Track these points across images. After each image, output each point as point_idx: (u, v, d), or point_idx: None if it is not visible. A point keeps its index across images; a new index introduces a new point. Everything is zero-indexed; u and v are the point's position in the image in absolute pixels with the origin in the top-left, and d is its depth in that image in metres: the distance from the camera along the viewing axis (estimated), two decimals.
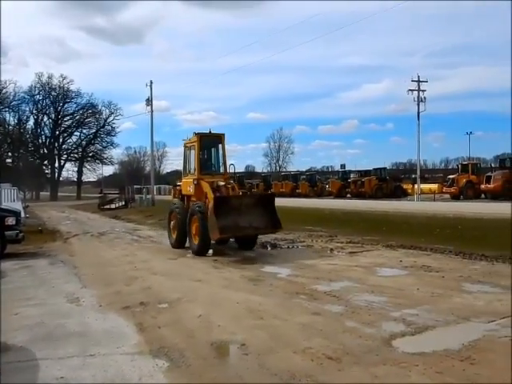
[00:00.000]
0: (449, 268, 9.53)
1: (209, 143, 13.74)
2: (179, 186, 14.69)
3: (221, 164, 13.91)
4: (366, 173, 45.35)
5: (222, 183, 12.84)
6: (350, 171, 52.52)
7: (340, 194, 44.70)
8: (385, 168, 46.95)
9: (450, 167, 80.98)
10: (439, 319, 6.11)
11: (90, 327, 6.25)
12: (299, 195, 46.80)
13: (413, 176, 49.82)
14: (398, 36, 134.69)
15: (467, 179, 34.88)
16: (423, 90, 42.69)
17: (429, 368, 4.52)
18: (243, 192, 14.03)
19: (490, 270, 9.30)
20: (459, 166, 39.78)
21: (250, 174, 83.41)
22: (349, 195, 43.63)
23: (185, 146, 14.01)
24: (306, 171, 63.95)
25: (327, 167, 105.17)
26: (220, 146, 13.75)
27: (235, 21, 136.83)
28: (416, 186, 40.11)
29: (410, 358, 4.83)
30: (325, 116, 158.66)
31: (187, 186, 13.48)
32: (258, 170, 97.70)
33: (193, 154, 13.46)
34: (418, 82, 42.79)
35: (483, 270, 9.40)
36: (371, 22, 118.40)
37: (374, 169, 45.22)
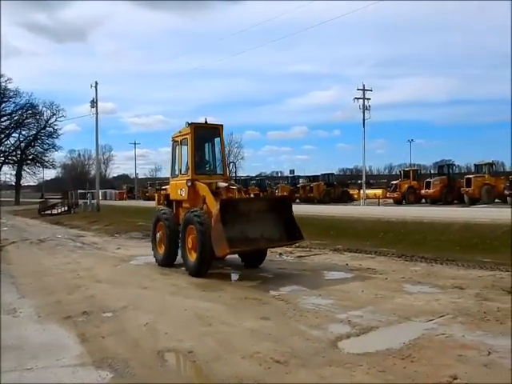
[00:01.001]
0: (392, 270, 9.92)
1: (204, 136, 11.20)
2: (164, 189, 12.32)
3: (219, 162, 11.51)
4: (315, 178, 46.33)
5: (224, 184, 10.43)
6: (299, 176, 53.48)
7: None
8: (332, 173, 48.16)
9: (393, 173, 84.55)
10: (382, 319, 6.33)
11: (27, 339, 5.92)
12: None
13: (359, 181, 51.46)
14: (346, 45, 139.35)
15: (409, 185, 36.50)
16: (368, 99, 44.33)
17: (372, 367, 4.67)
18: (255, 194, 11.82)
19: (429, 272, 9.78)
20: (401, 172, 41.59)
21: None
22: (298, 200, 44.38)
23: (173, 141, 11.40)
24: (256, 176, 64.32)
25: (277, 172, 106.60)
26: (218, 139, 11.35)
27: (184, 23, 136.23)
28: (362, 191, 41.49)
29: (354, 358, 4.96)
30: (275, 122, 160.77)
31: (177, 189, 11.02)
32: None
33: (185, 149, 10.97)
34: (363, 90, 44.44)
35: (423, 271, 9.87)
36: (320, 31, 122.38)
37: (322, 174, 46.26)
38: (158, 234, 11.27)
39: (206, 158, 11.57)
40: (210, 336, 5.82)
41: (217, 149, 11.46)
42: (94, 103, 40.34)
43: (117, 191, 71.95)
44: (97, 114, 40.38)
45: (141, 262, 12.26)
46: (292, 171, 59.32)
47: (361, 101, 43.82)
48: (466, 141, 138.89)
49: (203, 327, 6.21)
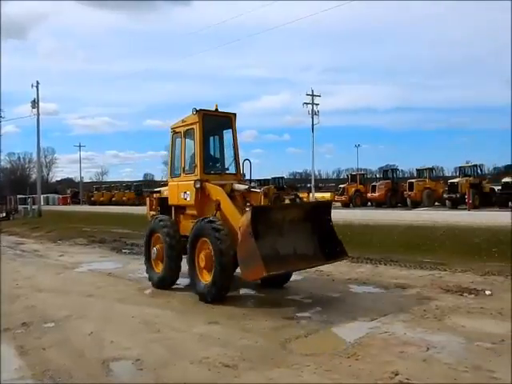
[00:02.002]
0: (339, 272, 10.19)
1: (214, 127, 9.11)
2: (158, 192, 10.29)
3: (231, 159, 9.32)
4: (265, 182, 46.74)
5: (243, 187, 8.54)
6: (250, 180, 53.60)
7: None
8: (282, 177, 48.81)
9: (341, 177, 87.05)
10: (330, 320, 6.49)
11: None
12: None
13: (308, 185, 52.53)
14: (296, 51, 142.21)
15: (356, 188, 37.69)
16: (317, 104, 45.58)
17: (319, 367, 4.78)
18: (291, 199, 9.49)
19: (374, 272, 10.15)
20: (349, 176, 42.90)
21: (148, 182, 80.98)
22: (249, 204, 44.56)
23: (173, 132, 9.20)
24: None
25: None
26: (229, 132, 9.25)
27: (133, 24, 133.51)
28: (311, 195, 42.34)
29: (302, 359, 5.05)
30: None
31: (179, 192, 8.82)
32: (157, 178, 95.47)
33: (189, 143, 8.92)
34: (312, 95, 45.56)
35: (368, 272, 10.23)
36: (272, 36, 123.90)
37: (273, 178, 46.78)
38: (155, 249, 9.01)
39: (216, 153, 9.46)
40: (158, 343, 5.71)
41: (227, 142, 9.32)
42: (35, 104, 38.54)
43: (60, 196, 69.02)
44: (38, 114, 38.64)
45: (85, 269, 11.82)
46: (243, 175, 59.51)
47: (310, 106, 44.99)
48: (409, 146, 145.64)
49: (151, 334, 6.08)
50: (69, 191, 73.30)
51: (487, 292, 7.93)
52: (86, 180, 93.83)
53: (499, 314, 6.59)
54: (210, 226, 7.56)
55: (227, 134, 9.30)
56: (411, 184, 33.14)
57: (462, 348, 5.36)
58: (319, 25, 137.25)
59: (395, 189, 34.63)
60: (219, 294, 7.50)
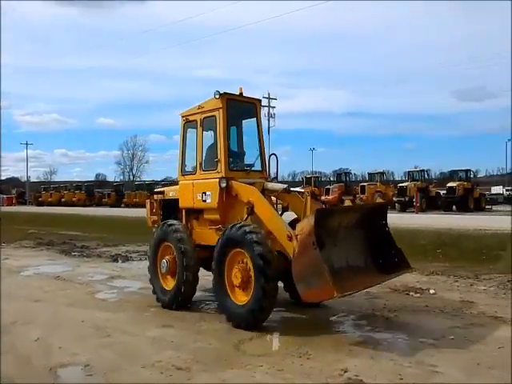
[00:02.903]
0: None
1: (237, 115, 7.74)
2: (161, 193, 8.61)
3: (253, 152, 7.93)
4: None
5: (281, 186, 7.37)
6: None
7: None
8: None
9: (296, 179, 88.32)
10: (283, 320, 6.62)
11: None
12: None
13: None
14: (253, 53, 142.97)
15: (310, 191, 38.48)
16: (273, 107, 46.13)
17: (272, 367, 4.86)
18: (352, 201, 7.67)
19: None
20: (304, 178, 43.70)
21: (100, 182, 78.67)
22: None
23: (186, 120, 7.80)
24: (162, 181, 62.98)
25: None
26: (252, 121, 7.92)
27: (84, 19, 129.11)
28: None
29: (255, 359, 5.11)
30: (177, 127, 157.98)
31: (196, 192, 7.41)
32: (110, 178, 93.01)
33: (208, 133, 7.56)
34: (269, 98, 46.06)
35: None
36: (229, 37, 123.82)
37: None
38: (164, 261, 7.47)
39: (239, 146, 8.07)
40: (108, 347, 5.59)
41: (251, 134, 7.94)
42: None
43: (5, 196, 65.58)
44: None
45: (32, 272, 11.33)
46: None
47: (266, 108, 45.44)
48: (362, 151, 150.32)
49: (101, 339, 5.94)
50: (14, 191, 69.93)
51: (431, 291, 8.36)
52: (34, 179, 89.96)
53: (441, 311, 6.96)
54: (249, 238, 6.10)
55: (249, 124, 7.98)
56: (363, 187, 34.25)
57: (406, 344, 5.62)
58: (277, 28, 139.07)
59: (348, 192, 35.63)
60: (261, 316, 6.14)
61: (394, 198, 31.60)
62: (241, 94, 7.52)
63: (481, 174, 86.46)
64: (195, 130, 7.58)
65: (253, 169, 7.63)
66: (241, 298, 6.31)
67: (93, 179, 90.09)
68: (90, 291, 8.87)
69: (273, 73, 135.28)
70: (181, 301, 7.21)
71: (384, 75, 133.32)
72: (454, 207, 30.35)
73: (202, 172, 7.42)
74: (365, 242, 6.64)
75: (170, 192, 8.36)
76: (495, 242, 12.55)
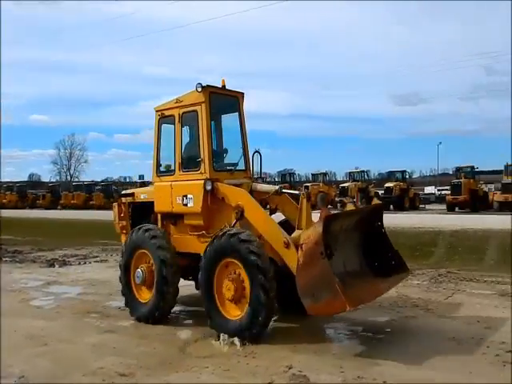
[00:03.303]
0: None
1: (218, 110, 7.18)
2: (131, 196, 7.82)
3: (239, 151, 7.30)
4: None
5: (269, 188, 6.91)
6: (150, 182, 52.16)
7: None
8: None
9: None
10: None
11: None
12: (93, 207, 44.11)
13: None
14: (199, 52, 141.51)
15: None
16: None
17: (218, 367, 4.85)
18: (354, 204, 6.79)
19: None
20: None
21: (34, 183, 74.45)
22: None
23: (161, 116, 7.11)
24: (102, 181, 60.84)
25: (125, 178, 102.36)
26: (236, 116, 7.30)
27: (18, 10, 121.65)
28: None
29: (200, 361, 5.08)
30: (123, 124, 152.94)
31: (173, 195, 6.74)
32: (45, 179, 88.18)
33: (189, 130, 7.06)
34: None
35: None
36: (174, 36, 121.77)
37: None
38: (139, 271, 6.69)
39: (220, 144, 7.42)
40: (44, 356, 5.31)
41: (232, 130, 7.34)
42: None
43: None
44: None
45: None
46: (141, 176, 57.54)
47: None
48: (306, 152, 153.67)
49: (37, 348, 5.63)
50: None
51: None
52: None
53: (379, 305, 7.25)
54: (245, 247, 5.60)
55: (230, 119, 7.37)
56: (307, 188, 34.98)
57: (348, 338, 5.83)
58: (223, 28, 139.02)
59: None
60: (261, 331, 5.64)
61: (336, 198, 32.61)
62: (223, 86, 6.88)
63: (415, 175, 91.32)
64: (172, 126, 6.91)
65: (238, 168, 7.12)
66: (233, 312, 5.81)
67: (26, 179, 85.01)
68: (23, 298, 8.38)
69: (218, 73, 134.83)
70: (158, 315, 6.48)
71: (328, 78, 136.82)
72: (391, 206, 31.83)
73: (182, 173, 6.74)
74: (361, 245, 6.33)
75: (141, 194, 7.66)
76: (428, 239, 13.36)
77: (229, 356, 5.20)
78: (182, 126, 6.83)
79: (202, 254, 6.10)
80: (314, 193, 34.77)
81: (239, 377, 4.63)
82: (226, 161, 7.28)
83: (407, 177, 36.72)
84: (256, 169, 7.18)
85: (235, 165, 7.12)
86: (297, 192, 6.60)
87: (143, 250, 6.73)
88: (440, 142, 71.61)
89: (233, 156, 7.24)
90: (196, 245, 6.59)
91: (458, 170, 34.96)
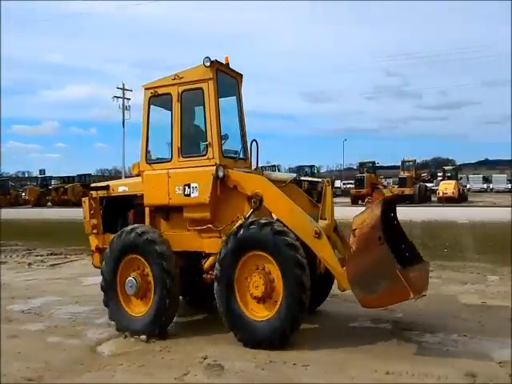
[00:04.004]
0: None
1: (220, 90, 6.11)
2: (105, 189, 6.84)
3: (238, 137, 6.74)
4: (70, 179, 43.35)
5: (287, 176, 6.58)
6: (51, 177, 49.02)
7: (39, 203, 40.97)
8: (89, 174, 46.07)
9: None
10: None
11: None
12: None
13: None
14: (107, 41, 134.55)
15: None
16: (128, 98, 44.31)
17: (132, 364, 4.84)
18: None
19: None
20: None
21: None
22: (50, 203, 40.56)
23: (153, 94, 6.26)
24: None
25: (23, 172, 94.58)
26: (235, 99, 6.71)
27: None
28: None
29: (114, 359, 5.03)
30: (20, 115, 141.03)
31: (170, 185, 5.95)
32: None
33: (191, 111, 6.46)
34: (123, 89, 44.12)
35: None
36: (77, 23, 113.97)
37: (78, 175, 43.67)
38: (132, 279, 5.82)
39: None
40: None
41: (230, 116, 6.54)
42: None
43: None
44: None
45: None
46: (42, 171, 53.65)
47: (120, 100, 43.51)
48: None
49: None
50: None
51: None
52: None
53: None
54: (280, 240, 5.11)
55: (227, 103, 6.57)
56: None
57: None
58: (134, 17, 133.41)
59: None
60: (290, 334, 5.16)
61: None
62: (227, 64, 6.24)
63: (323, 170, 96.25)
64: (167, 106, 6.15)
65: (239, 156, 6.54)
66: (260, 312, 5.29)
67: None
68: None
69: (128, 62, 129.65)
70: (162, 325, 5.67)
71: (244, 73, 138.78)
72: None
73: (183, 159, 5.97)
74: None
75: (119, 187, 6.73)
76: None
77: (142, 352, 5.21)
78: (181, 106, 6.05)
79: (206, 251, 5.82)
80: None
81: (154, 371, 4.67)
82: (225, 148, 6.31)
83: (315, 171, 38.50)
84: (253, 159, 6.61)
85: (237, 152, 6.52)
86: (318, 180, 6.32)
87: (135, 256, 5.85)
88: (345, 139, 76.26)
89: (231, 143, 6.46)
90: (197, 241, 5.95)
91: (361, 165, 37.62)
